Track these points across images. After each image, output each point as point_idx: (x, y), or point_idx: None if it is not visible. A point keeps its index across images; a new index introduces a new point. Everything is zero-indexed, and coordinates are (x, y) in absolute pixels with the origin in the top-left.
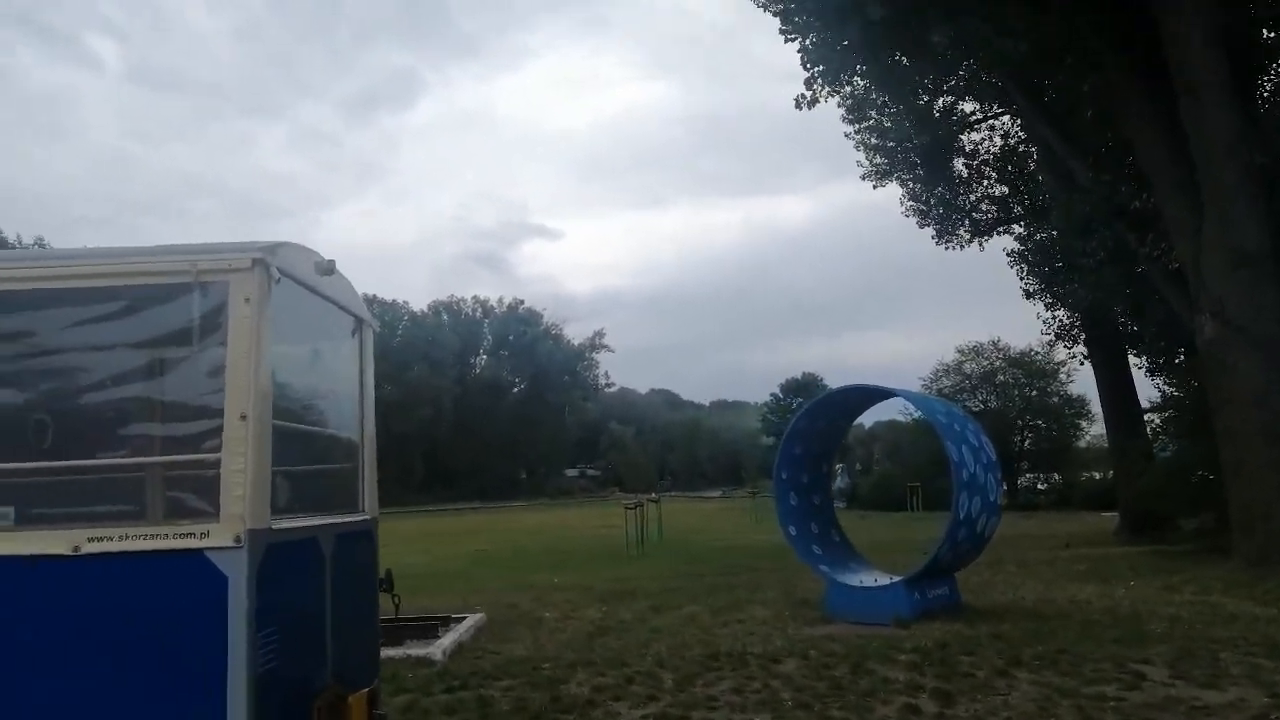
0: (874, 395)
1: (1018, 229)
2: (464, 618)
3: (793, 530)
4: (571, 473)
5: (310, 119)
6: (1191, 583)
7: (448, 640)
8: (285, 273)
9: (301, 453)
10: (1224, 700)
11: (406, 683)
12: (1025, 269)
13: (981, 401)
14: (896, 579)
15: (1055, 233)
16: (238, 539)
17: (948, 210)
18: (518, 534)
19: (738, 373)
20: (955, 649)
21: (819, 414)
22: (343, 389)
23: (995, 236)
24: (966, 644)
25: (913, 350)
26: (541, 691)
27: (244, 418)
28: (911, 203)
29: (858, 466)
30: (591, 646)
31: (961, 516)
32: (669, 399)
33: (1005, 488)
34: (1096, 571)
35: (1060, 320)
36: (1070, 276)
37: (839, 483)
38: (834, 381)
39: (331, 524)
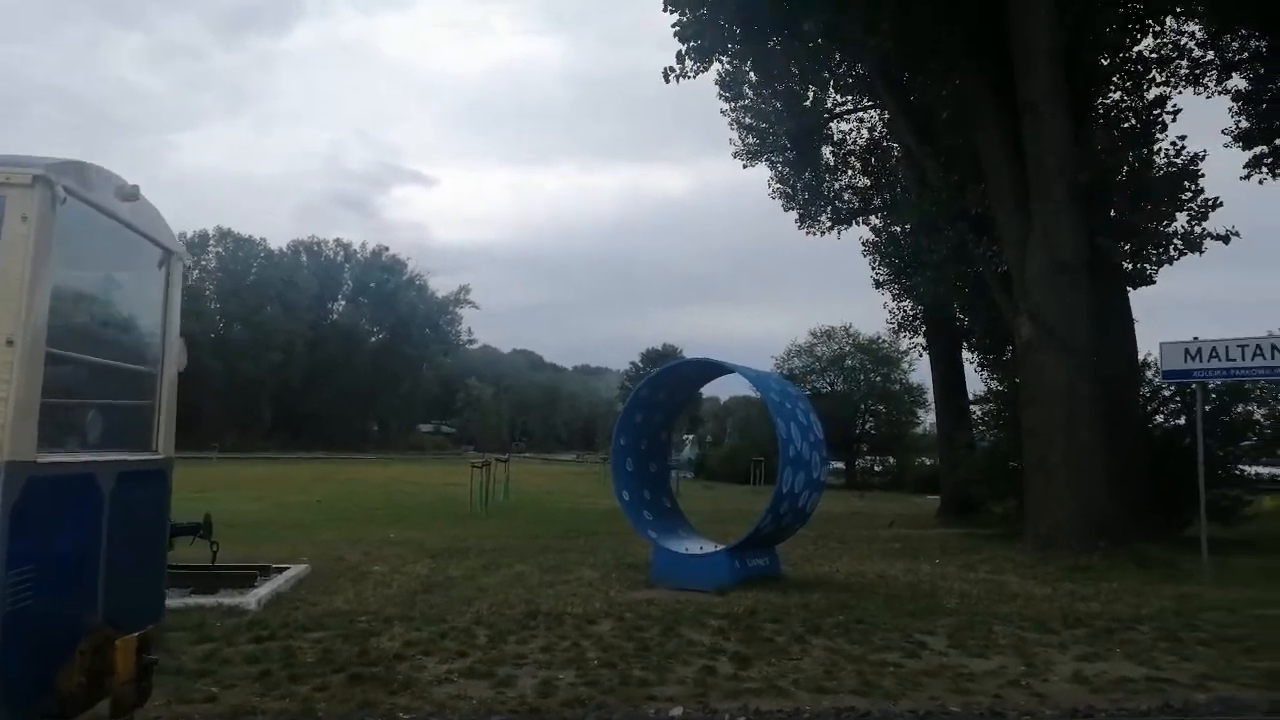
0: (714, 370)
1: (875, 220)
2: (286, 568)
3: (626, 495)
4: (426, 428)
5: (175, 31)
6: (988, 562)
7: (264, 590)
8: (75, 194)
9: (85, 385)
10: (987, 668)
11: (213, 631)
12: (878, 259)
13: (829, 383)
14: (720, 548)
15: (906, 227)
16: None
17: (812, 196)
18: (362, 487)
19: (603, 339)
20: (763, 616)
21: (660, 384)
22: (143, 322)
23: (854, 226)
24: (775, 612)
25: (771, 329)
26: (352, 644)
27: (10, 343)
28: (779, 185)
29: (709, 439)
30: (413, 602)
31: (785, 490)
32: (531, 360)
33: (837, 466)
34: (910, 550)
35: (905, 311)
36: (916, 270)
37: (688, 453)
38: (693, 354)
39: (115, 461)
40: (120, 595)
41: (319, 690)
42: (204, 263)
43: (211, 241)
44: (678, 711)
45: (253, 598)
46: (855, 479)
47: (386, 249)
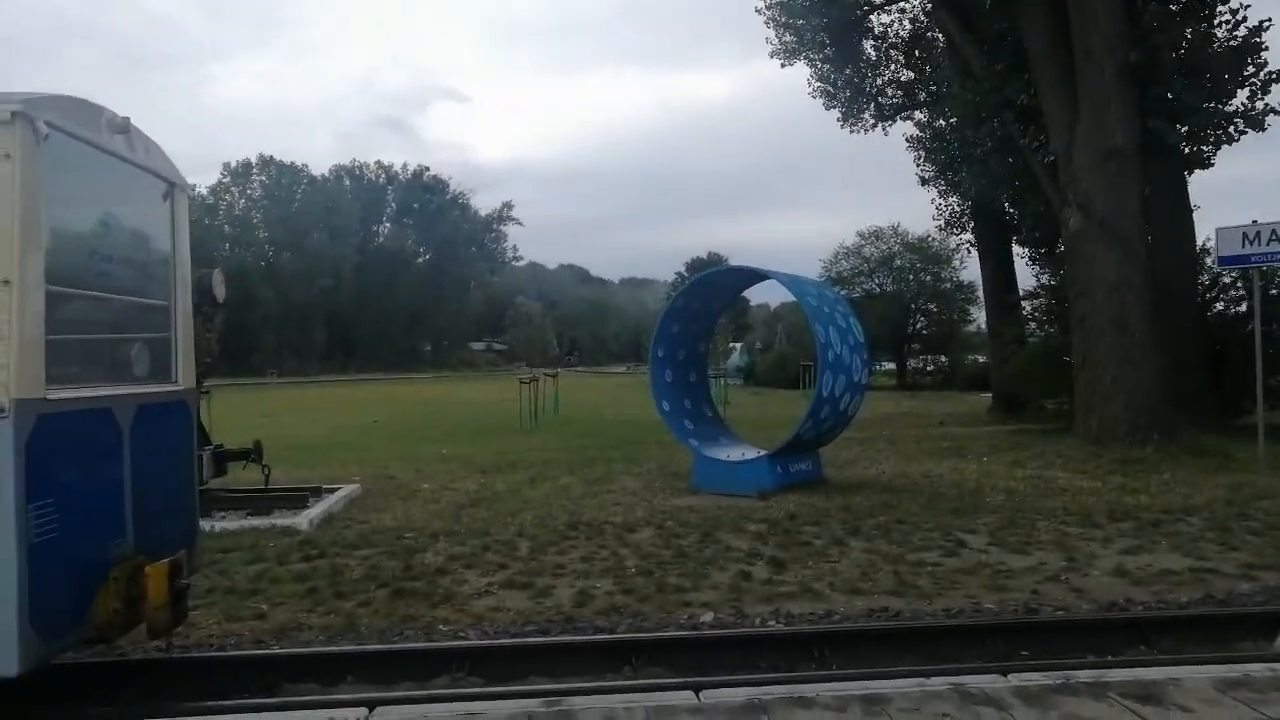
0: (749, 277)
1: (919, 115)
2: (338, 488)
3: (666, 406)
4: (477, 346)
5: None
6: (1037, 459)
7: (316, 510)
8: (60, 129)
9: (94, 321)
10: (1026, 564)
11: (265, 552)
12: (923, 155)
13: (878, 284)
14: (761, 453)
15: (951, 120)
16: (2, 410)
17: (854, 93)
18: (414, 406)
19: (649, 250)
20: (803, 520)
21: (696, 294)
22: (152, 256)
23: (899, 122)
24: (815, 515)
25: (819, 232)
26: (397, 560)
27: (6, 283)
28: (819, 84)
29: (758, 345)
30: (459, 517)
31: (825, 394)
32: (578, 274)
33: (888, 367)
34: (958, 448)
35: (952, 207)
36: (962, 164)
37: (737, 360)
38: (738, 262)
39: (132, 395)
40: (150, 524)
41: (362, 605)
42: (249, 191)
43: (255, 170)
44: (709, 616)
45: (304, 518)
46: (906, 379)
47: (427, 169)
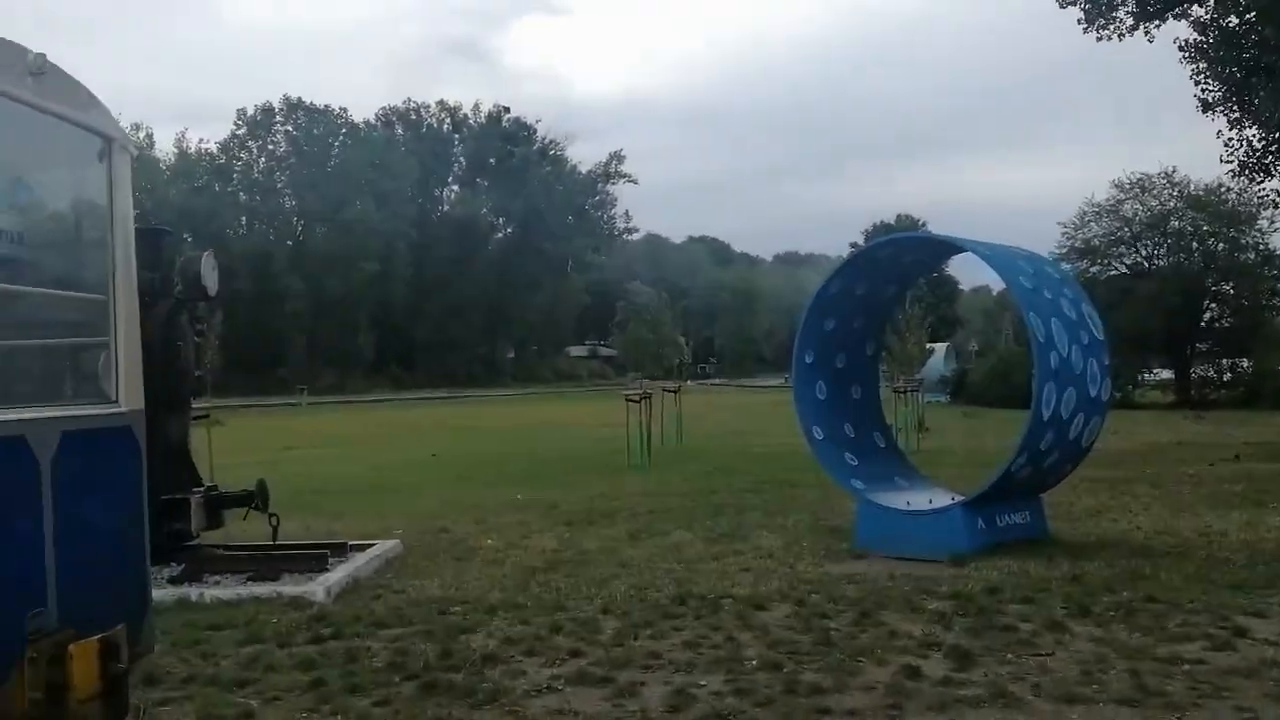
0: (937, 248)
1: (1198, 11)
2: (371, 545)
3: (818, 433)
4: (578, 351)
5: None
6: None
7: (338, 575)
8: None
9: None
10: None
11: (265, 630)
12: (1204, 68)
13: (1145, 258)
14: (956, 500)
15: (1249, 16)
16: None
17: None
18: (487, 435)
19: (812, 215)
20: (1009, 595)
21: (859, 275)
22: (83, 234)
23: (1169, 21)
24: (1027, 588)
25: (1058, 183)
26: (435, 643)
27: None
28: None
29: (973, 346)
30: (527, 586)
31: (1047, 416)
32: (715, 251)
33: (1164, 377)
34: (1257, 494)
35: (1249, 142)
36: (1263, 79)
37: (941, 369)
38: (939, 226)
39: (54, 419)
40: (80, 589)
41: (380, 705)
42: (272, 146)
43: (279, 118)
44: None
45: (321, 585)
46: (1190, 393)
47: (507, 110)
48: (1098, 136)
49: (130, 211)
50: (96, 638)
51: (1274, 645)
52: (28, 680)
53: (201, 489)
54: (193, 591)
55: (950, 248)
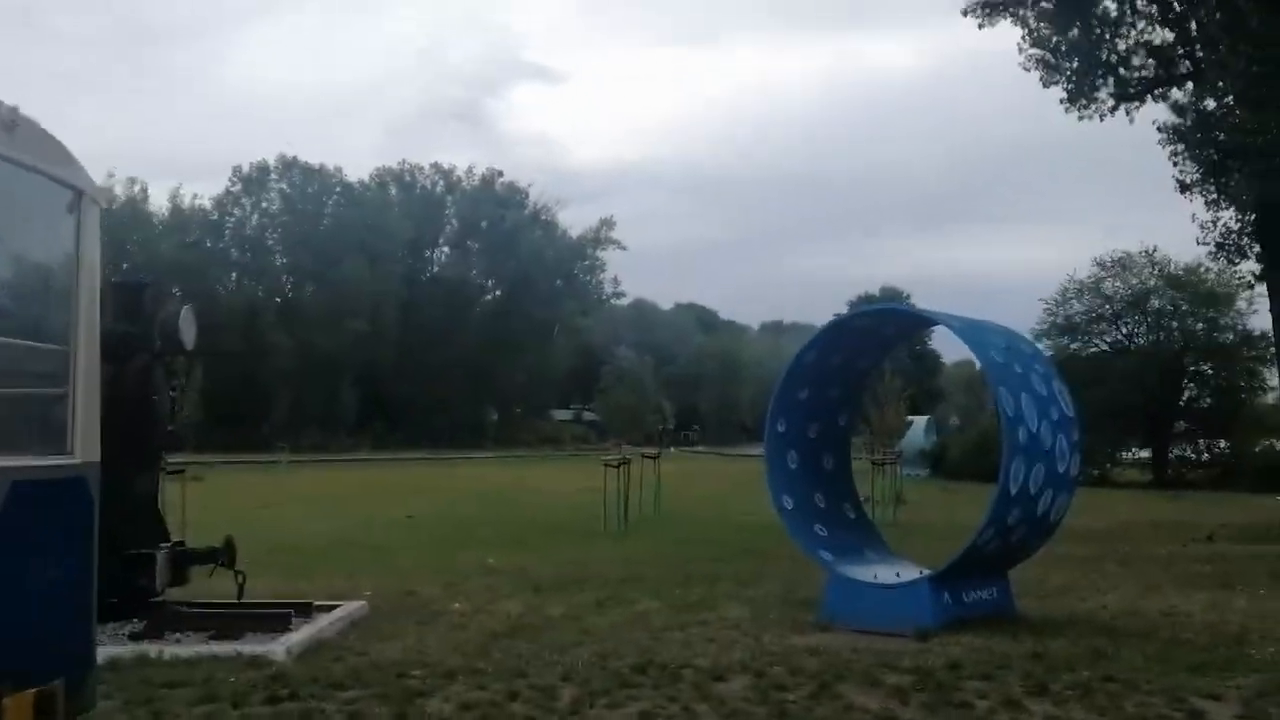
0: (908, 321)
1: (1178, 94)
2: (336, 606)
3: (788, 502)
4: (562, 415)
5: None
6: None
7: (301, 635)
8: None
9: None
10: None
11: (221, 689)
12: (1183, 149)
13: (1125, 336)
14: (923, 573)
15: (1225, 99)
16: None
17: (1085, 62)
18: (467, 497)
19: (800, 284)
20: (970, 671)
21: (834, 346)
22: (47, 285)
23: (1149, 103)
24: (988, 664)
25: (1040, 260)
26: (391, 706)
27: None
28: (1033, 50)
29: (954, 420)
30: (491, 650)
31: (1014, 491)
32: (702, 317)
33: (1141, 457)
34: (1224, 576)
35: (1225, 224)
36: (1238, 161)
37: (921, 441)
38: (924, 299)
39: (2, 468)
40: (19, 642)
41: None
42: (265, 204)
43: (273, 175)
44: None
45: (282, 644)
46: (1167, 472)
47: (500, 174)
48: (1081, 214)
49: (97, 263)
50: (32, 691)
51: None
52: None
53: (168, 544)
54: (152, 649)
55: (924, 320)
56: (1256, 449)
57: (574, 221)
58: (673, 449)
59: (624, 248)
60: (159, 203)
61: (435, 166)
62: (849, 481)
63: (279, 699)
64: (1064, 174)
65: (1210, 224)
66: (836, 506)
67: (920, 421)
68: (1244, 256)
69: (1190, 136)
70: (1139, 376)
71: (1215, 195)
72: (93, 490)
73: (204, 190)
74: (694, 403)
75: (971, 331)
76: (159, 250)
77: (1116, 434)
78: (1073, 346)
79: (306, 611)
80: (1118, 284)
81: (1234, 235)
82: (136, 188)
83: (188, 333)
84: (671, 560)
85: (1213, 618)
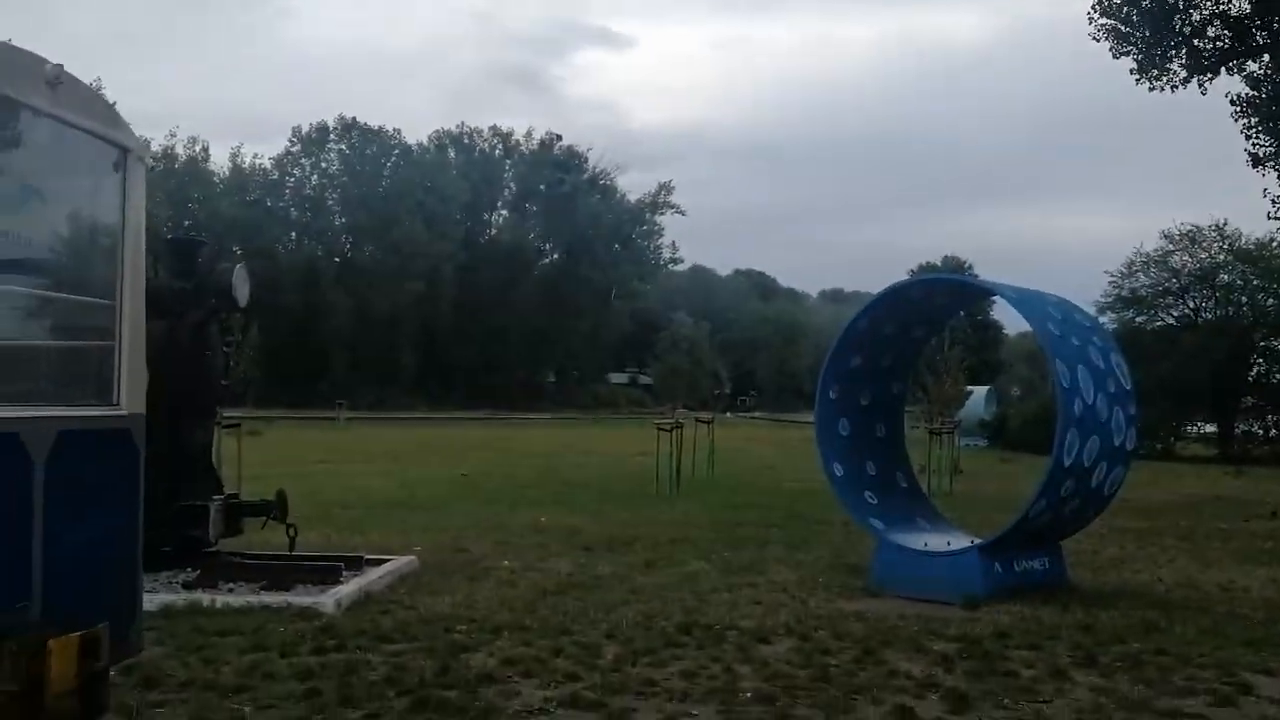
0: (963, 291)
1: (1252, 66)
2: (387, 560)
3: (838, 470)
4: (618, 378)
5: None
6: None
7: (350, 588)
8: None
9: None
10: None
11: (270, 638)
12: (1256, 123)
13: (1193, 310)
14: (973, 542)
15: None
16: None
17: (1158, 32)
18: (522, 457)
19: (862, 253)
20: (1017, 640)
21: (887, 314)
22: (94, 240)
23: (1223, 75)
24: (1036, 635)
25: (1106, 232)
26: (435, 660)
27: None
28: (1105, 21)
29: (1015, 391)
30: (538, 607)
31: (1068, 463)
32: (761, 284)
33: (1207, 431)
34: None
35: None
36: None
37: (981, 412)
38: (986, 270)
39: (50, 418)
40: (66, 586)
41: (370, 717)
42: (325, 164)
43: (333, 137)
44: None
45: (331, 597)
46: (1233, 448)
47: (559, 138)
48: (1144, 185)
49: (143, 220)
50: (77, 634)
51: (1276, 704)
52: (5, 671)
53: (221, 496)
54: (205, 598)
55: (980, 290)
56: None
57: (633, 186)
58: (728, 414)
59: (683, 213)
60: (220, 162)
61: (494, 130)
62: (901, 449)
63: (325, 650)
64: (1131, 146)
65: None
66: (888, 474)
67: (981, 392)
68: None
69: (1265, 109)
70: (1206, 351)
71: None
72: (138, 441)
73: (265, 150)
74: (751, 368)
75: (1027, 302)
76: (219, 209)
77: (1182, 408)
78: (1138, 320)
79: (356, 565)
80: (1186, 258)
81: None
82: (198, 147)
83: (241, 290)
84: (722, 524)
85: (1271, 594)
